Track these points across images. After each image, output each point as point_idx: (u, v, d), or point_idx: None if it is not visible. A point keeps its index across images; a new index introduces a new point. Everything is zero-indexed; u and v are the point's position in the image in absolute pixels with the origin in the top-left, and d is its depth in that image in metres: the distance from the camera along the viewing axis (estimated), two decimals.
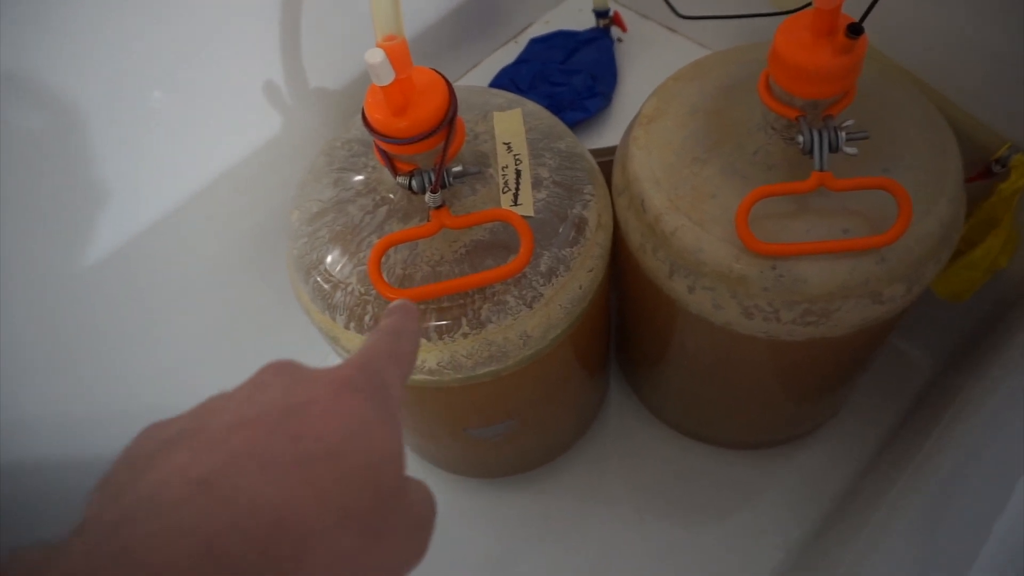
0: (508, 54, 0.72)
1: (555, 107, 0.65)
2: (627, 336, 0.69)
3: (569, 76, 0.67)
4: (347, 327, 0.48)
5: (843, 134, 0.43)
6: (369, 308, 0.47)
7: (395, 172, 0.44)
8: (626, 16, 0.74)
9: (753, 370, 0.55)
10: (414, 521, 0.21)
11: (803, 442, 0.73)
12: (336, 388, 0.21)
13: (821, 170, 0.43)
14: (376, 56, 0.38)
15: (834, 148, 0.43)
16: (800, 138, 0.43)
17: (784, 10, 0.51)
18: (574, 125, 0.65)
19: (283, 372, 0.22)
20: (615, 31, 0.72)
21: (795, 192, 0.44)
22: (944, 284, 0.59)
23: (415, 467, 0.76)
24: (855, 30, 0.39)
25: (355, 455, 0.19)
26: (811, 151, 0.43)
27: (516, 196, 0.48)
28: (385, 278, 0.46)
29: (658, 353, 0.62)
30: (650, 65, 0.70)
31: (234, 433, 0.19)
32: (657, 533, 0.71)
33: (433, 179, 0.43)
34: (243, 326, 0.70)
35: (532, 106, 0.54)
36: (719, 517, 0.72)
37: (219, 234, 0.62)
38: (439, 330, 0.46)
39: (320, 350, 0.55)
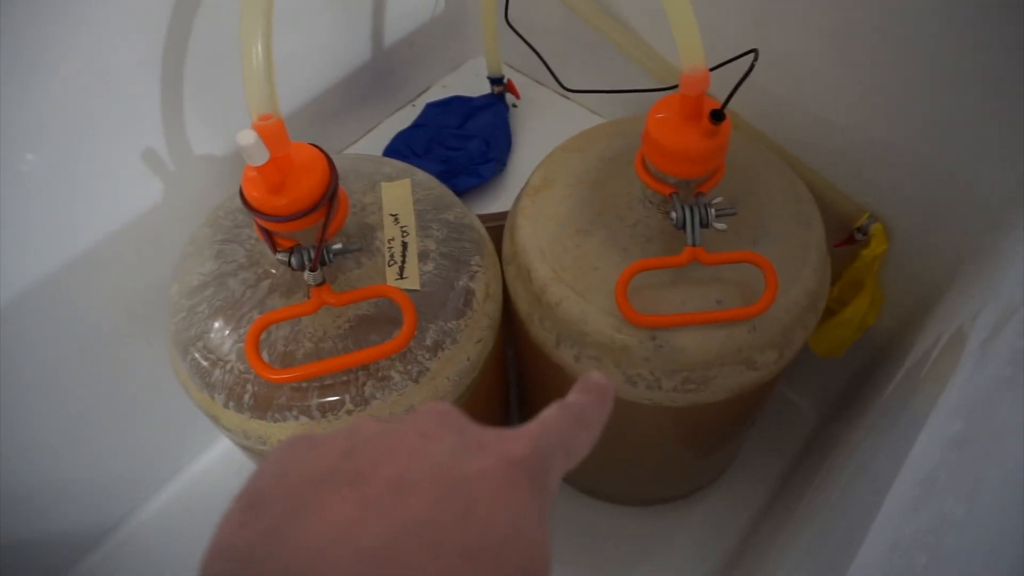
0: (405, 118, 0.73)
1: (451, 171, 0.66)
2: (526, 397, 0.69)
3: (465, 141, 0.68)
4: (226, 406, 0.46)
5: (713, 211, 0.45)
6: (249, 387, 0.45)
7: (274, 249, 0.44)
8: (521, 81, 0.76)
9: (641, 433, 0.57)
10: None
11: (701, 495, 0.75)
12: (507, 466, 0.20)
13: (693, 245, 0.45)
14: (248, 138, 0.37)
15: (705, 224, 0.45)
16: (673, 215, 0.45)
17: (666, 86, 0.54)
18: (469, 190, 0.65)
19: (449, 424, 0.21)
20: (510, 97, 0.73)
21: (670, 266, 0.46)
22: (819, 342, 0.63)
23: None
24: (717, 116, 0.41)
25: (516, 554, 0.19)
26: (683, 227, 0.45)
27: (402, 269, 0.48)
28: (266, 356, 0.45)
29: None
30: (544, 131, 0.72)
31: (402, 497, 0.18)
32: None
33: (313, 256, 0.43)
34: (123, 401, 0.66)
35: (422, 175, 0.55)
36: (622, 573, 0.72)
37: (97, 305, 0.59)
38: (322, 408, 0.45)
39: (203, 424, 0.53)
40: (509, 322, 0.56)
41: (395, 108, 0.75)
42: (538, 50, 0.63)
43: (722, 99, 0.43)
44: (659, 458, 0.62)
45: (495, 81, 0.72)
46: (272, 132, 0.39)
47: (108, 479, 0.71)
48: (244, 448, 0.51)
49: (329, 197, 0.42)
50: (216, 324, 0.47)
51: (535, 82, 0.76)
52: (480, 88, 0.75)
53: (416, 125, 0.71)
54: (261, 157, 0.38)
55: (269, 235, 0.44)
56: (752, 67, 0.42)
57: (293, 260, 0.43)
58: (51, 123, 0.49)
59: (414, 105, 0.75)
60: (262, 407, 0.45)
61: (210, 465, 0.79)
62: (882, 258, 0.58)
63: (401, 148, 0.69)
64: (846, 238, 0.59)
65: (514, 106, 0.74)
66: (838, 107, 0.55)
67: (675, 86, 0.48)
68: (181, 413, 0.70)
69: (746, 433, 0.67)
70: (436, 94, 0.76)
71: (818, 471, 0.63)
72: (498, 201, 0.66)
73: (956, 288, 0.51)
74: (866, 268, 0.59)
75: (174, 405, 0.69)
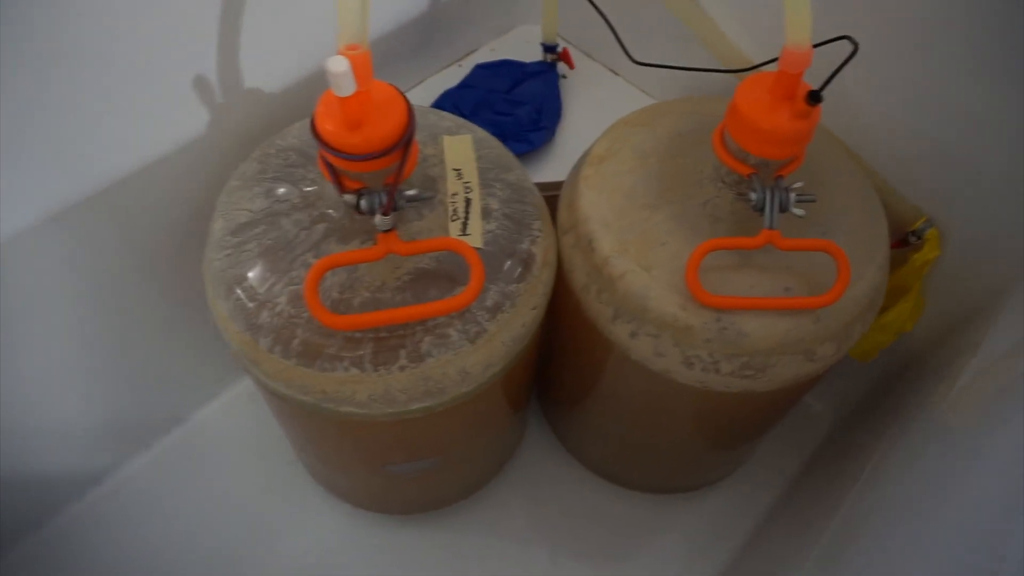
0: (451, 77, 0.71)
1: (498, 136, 0.64)
2: (552, 375, 0.68)
3: (514, 107, 0.66)
4: (271, 351, 0.44)
5: (793, 195, 0.44)
6: (298, 332, 0.43)
7: (342, 189, 0.41)
8: (571, 53, 0.74)
9: (680, 418, 0.56)
10: None
11: (713, 488, 0.74)
12: None
13: (771, 228, 0.44)
14: (340, 65, 0.35)
15: (784, 208, 0.44)
16: (753, 195, 0.44)
17: (731, 70, 0.52)
18: (517, 157, 0.63)
19: None
20: (561, 67, 0.72)
21: (745, 247, 0.44)
22: (856, 344, 0.62)
23: (320, 501, 0.71)
24: (815, 97, 0.40)
25: None
26: (763, 209, 0.44)
27: (465, 225, 0.46)
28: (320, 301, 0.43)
29: (585, 394, 0.61)
30: (592, 105, 0.70)
31: None
32: (568, 574, 0.70)
33: (384, 200, 0.41)
34: (141, 341, 0.63)
35: (481, 133, 0.53)
36: (630, 558, 0.71)
37: (115, 239, 0.56)
38: (375, 361, 0.43)
39: (208, 374, 0.50)
40: (554, 294, 0.55)
41: (441, 66, 0.72)
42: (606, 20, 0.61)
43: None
44: (688, 446, 0.61)
45: (549, 49, 0.70)
46: (360, 63, 0.37)
47: (104, 423, 0.68)
48: (277, 396, 0.49)
49: (407, 140, 0.40)
50: (266, 264, 0.45)
51: (585, 55, 0.75)
52: (528, 56, 0.73)
53: (464, 85, 0.69)
54: (349, 87, 0.36)
55: (337, 174, 0.41)
56: (854, 52, 0.41)
57: (363, 203, 0.41)
58: (100, 39, 0.46)
59: (460, 65, 0.73)
60: (310, 355, 0.43)
61: (210, 417, 0.77)
62: (932, 264, 0.58)
63: (447, 107, 0.67)
64: (898, 240, 0.58)
65: (564, 76, 0.72)
66: (908, 108, 0.54)
67: (744, 69, 0.47)
68: (188, 360, 0.67)
69: (771, 430, 0.66)
70: (483, 56, 0.73)
71: (837, 478, 0.62)
72: (543, 171, 0.65)
73: (1013, 306, 0.50)
74: (914, 273, 0.58)
75: (180, 351, 0.67)
